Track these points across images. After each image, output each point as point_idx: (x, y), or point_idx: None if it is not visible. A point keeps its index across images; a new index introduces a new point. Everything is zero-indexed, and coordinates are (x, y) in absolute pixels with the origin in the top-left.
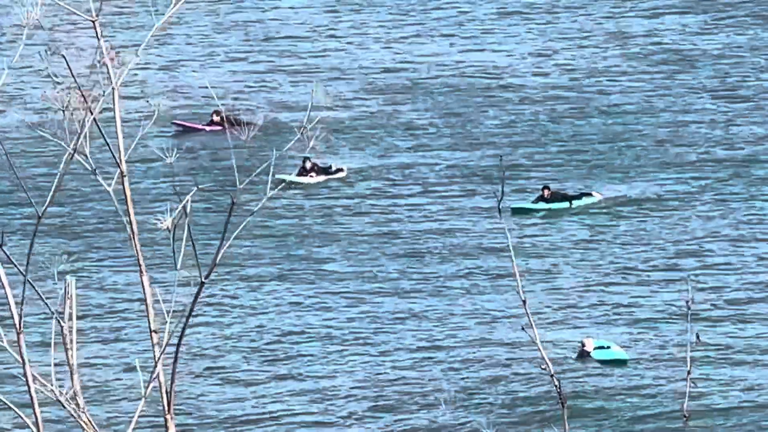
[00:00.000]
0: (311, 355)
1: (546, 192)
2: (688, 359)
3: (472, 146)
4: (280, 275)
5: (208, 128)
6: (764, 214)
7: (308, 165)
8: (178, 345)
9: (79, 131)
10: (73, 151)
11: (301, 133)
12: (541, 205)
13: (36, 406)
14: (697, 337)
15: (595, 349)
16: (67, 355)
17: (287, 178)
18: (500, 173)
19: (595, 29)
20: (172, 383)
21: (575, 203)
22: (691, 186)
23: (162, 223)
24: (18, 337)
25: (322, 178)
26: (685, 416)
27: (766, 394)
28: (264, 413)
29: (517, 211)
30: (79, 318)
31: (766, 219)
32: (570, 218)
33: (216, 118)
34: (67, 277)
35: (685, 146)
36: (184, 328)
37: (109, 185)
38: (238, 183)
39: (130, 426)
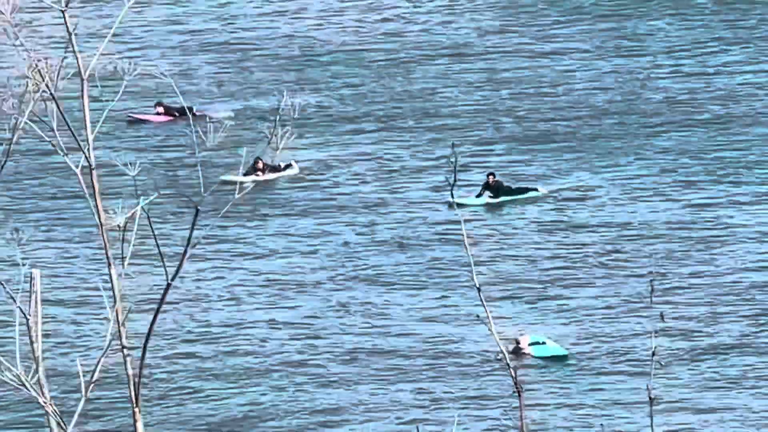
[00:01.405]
0: (280, 352)
1: (491, 179)
2: (653, 339)
3: (421, 133)
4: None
5: (156, 119)
6: (712, 198)
7: (260, 164)
8: (146, 340)
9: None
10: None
11: (271, 136)
12: (483, 200)
13: None
14: (661, 315)
15: (530, 344)
16: (32, 347)
17: (233, 179)
18: (451, 160)
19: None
20: (139, 377)
21: (519, 197)
22: (640, 176)
23: (114, 221)
24: None
25: (271, 176)
26: (650, 398)
27: (727, 374)
28: (236, 412)
29: (460, 206)
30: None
31: (714, 201)
32: (514, 211)
33: (160, 109)
34: (32, 270)
35: (633, 134)
36: (152, 325)
37: (73, 176)
38: (203, 189)
39: (75, 414)
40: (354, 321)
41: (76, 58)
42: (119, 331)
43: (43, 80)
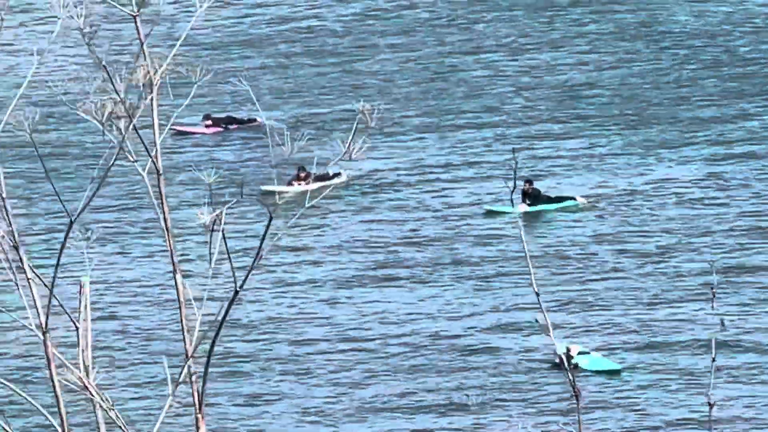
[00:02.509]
0: (342, 360)
1: (528, 186)
2: (713, 345)
3: (472, 140)
4: (304, 282)
5: (207, 131)
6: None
7: (302, 174)
8: (211, 348)
9: (121, 132)
10: (119, 147)
11: (348, 148)
12: (518, 209)
13: (62, 406)
14: (722, 322)
15: (579, 355)
16: (82, 355)
17: (275, 189)
18: (512, 164)
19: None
20: (203, 383)
21: (556, 206)
22: (682, 180)
23: (200, 217)
24: (44, 337)
25: (317, 185)
26: (709, 404)
27: None
28: (293, 418)
29: (493, 214)
30: (108, 317)
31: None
32: (552, 219)
33: (208, 122)
34: (82, 278)
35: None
36: (217, 333)
37: (143, 184)
38: (277, 198)
39: (157, 423)
40: (398, 324)
41: (147, 64)
42: (183, 336)
43: (114, 87)
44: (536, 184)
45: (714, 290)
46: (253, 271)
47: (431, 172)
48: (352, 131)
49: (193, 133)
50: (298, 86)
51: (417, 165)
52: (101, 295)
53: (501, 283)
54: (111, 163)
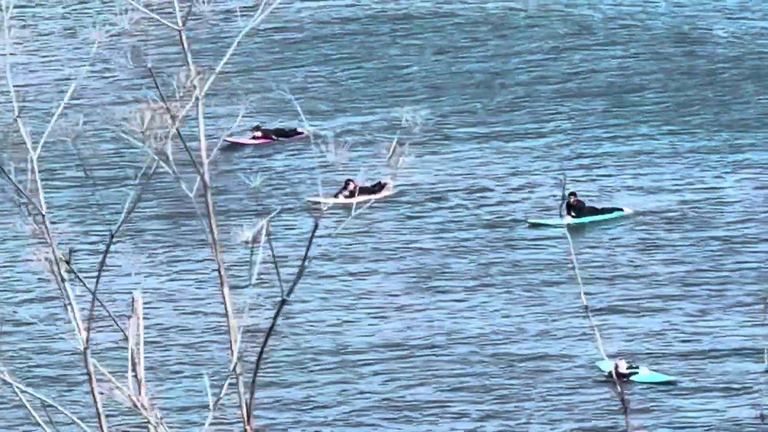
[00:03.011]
0: (389, 369)
1: (572, 198)
2: (766, 356)
3: (517, 152)
4: (350, 290)
5: (254, 142)
6: None
7: (351, 186)
8: (259, 358)
9: (160, 143)
10: (155, 157)
11: (390, 156)
12: (561, 220)
13: (103, 422)
14: None
15: (629, 368)
16: (136, 370)
17: (322, 201)
18: (558, 175)
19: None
20: (251, 395)
21: (603, 217)
22: (729, 196)
23: (242, 234)
24: (84, 353)
25: (364, 197)
26: (762, 416)
27: None
28: (339, 426)
29: (536, 226)
30: (152, 329)
31: None
32: (599, 231)
33: (257, 133)
34: (134, 292)
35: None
36: (265, 343)
37: (189, 197)
38: (322, 206)
39: None
40: (444, 334)
41: (192, 77)
42: (231, 348)
43: (162, 98)
44: (583, 196)
45: (767, 300)
46: (300, 280)
47: (478, 182)
48: (394, 143)
49: (242, 144)
50: (345, 93)
51: (463, 175)
52: (149, 307)
53: (548, 295)
54: (149, 175)
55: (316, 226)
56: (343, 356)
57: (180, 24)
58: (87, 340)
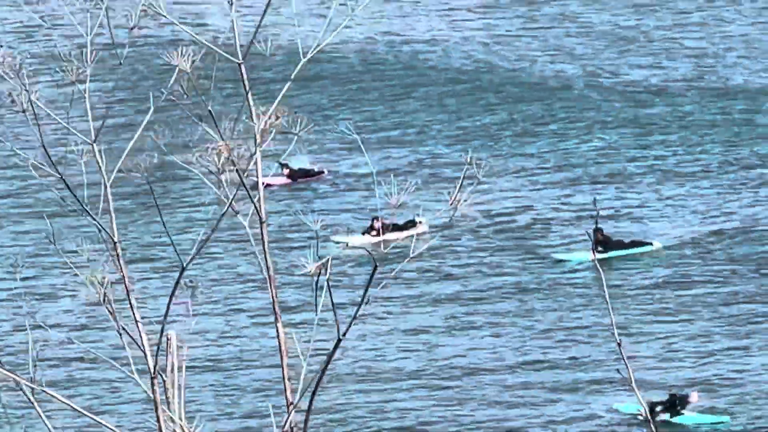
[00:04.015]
0: (418, 396)
1: (599, 235)
2: None
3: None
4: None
5: (277, 182)
6: None
7: (377, 224)
8: (312, 397)
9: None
10: (228, 203)
11: (454, 198)
12: (586, 256)
13: None
14: None
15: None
16: (168, 407)
17: (347, 240)
18: (588, 211)
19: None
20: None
21: (631, 251)
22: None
23: (308, 267)
24: (152, 383)
25: (394, 235)
26: None
27: None
28: None
29: (561, 262)
30: (212, 368)
31: None
32: (629, 265)
33: (285, 171)
34: (169, 330)
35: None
36: (318, 382)
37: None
38: (382, 245)
39: None
40: (477, 373)
41: (251, 113)
42: (284, 386)
43: (220, 134)
44: (613, 229)
45: None
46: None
47: (509, 217)
48: (460, 182)
49: (272, 185)
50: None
51: (494, 210)
52: (206, 345)
53: (577, 331)
54: (220, 217)
55: (375, 267)
56: (388, 394)
57: (240, 57)
58: (155, 371)
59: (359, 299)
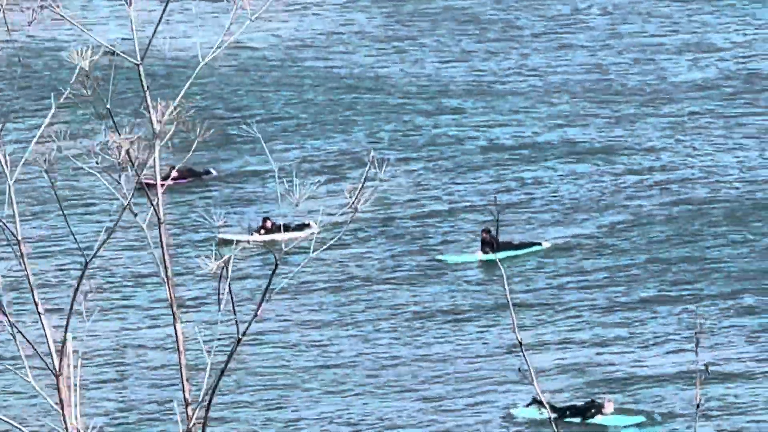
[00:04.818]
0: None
1: (485, 235)
2: (697, 389)
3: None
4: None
5: (171, 182)
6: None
7: (267, 224)
8: (211, 396)
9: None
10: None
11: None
12: (473, 257)
13: None
14: (706, 368)
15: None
16: (65, 407)
17: (232, 237)
18: (493, 211)
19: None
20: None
21: (521, 252)
22: (641, 221)
23: (209, 265)
24: (57, 380)
25: (280, 236)
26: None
27: None
28: None
29: (449, 264)
30: (114, 365)
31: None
32: (517, 267)
33: (174, 174)
34: (67, 334)
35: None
36: (217, 382)
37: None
38: (284, 245)
39: None
40: (370, 373)
41: (149, 113)
42: (182, 386)
43: (119, 134)
44: (506, 230)
45: (698, 335)
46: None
47: (399, 218)
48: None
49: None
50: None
51: (384, 210)
52: (104, 343)
53: (471, 332)
54: (119, 216)
55: (276, 266)
56: (276, 381)
57: (139, 59)
58: (59, 368)
59: (259, 299)
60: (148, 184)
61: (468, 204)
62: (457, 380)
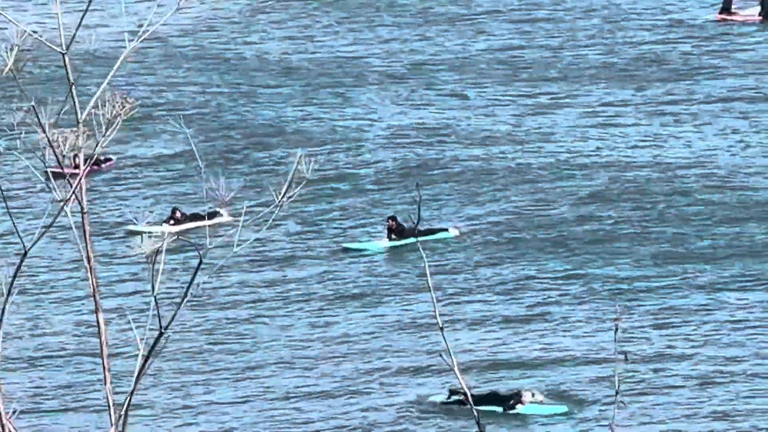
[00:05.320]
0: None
1: (391, 222)
2: (617, 378)
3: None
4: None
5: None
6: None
7: (177, 214)
8: (133, 388)
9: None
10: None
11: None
12: (378, 244)
13: None
14: (625, 355)
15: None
16: None
17: (141, 229)
18: (415, 197)
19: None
20: (124, 424)
21: (428, 238)
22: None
23: (141, 248)
24: None
25: (193, 225)
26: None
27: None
28: None
29: (350, 251)
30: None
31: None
32: (423, 253)
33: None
34: None
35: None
36: (139, 374)
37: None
38: (208, 242)
39: None
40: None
41: (74, 102)
42: (105, 376)
43: (41, 125)
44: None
45: (617, 320)
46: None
47: (306, 204)
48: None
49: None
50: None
51: (291, 197)
52: (21, 331)
53: (385, 319)
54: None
55: (201, 261)
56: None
57: (64, 47)
58: None
59: (182, 292)
60: (56, 173)
61: (375, 191)
62: (370, 365)
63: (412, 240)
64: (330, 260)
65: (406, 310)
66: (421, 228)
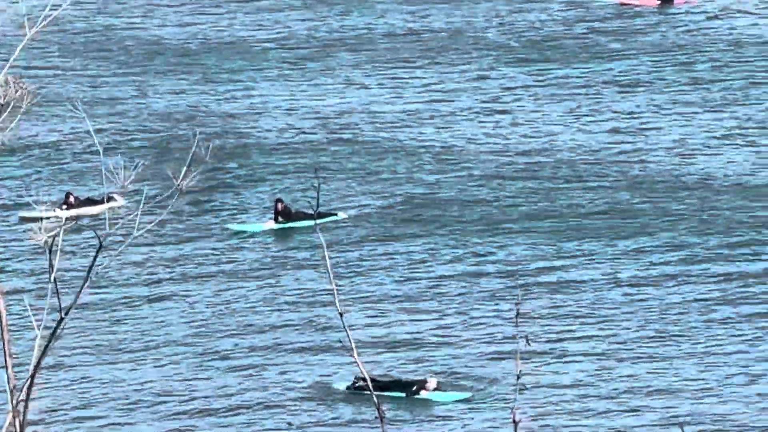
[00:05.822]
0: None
1: (279, 205)
2: (518, 361)
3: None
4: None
5: None
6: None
7: (70, 199)
8: (33, 375)
9: None
10: None
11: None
12: (263, 226)
13: None
14: (526, 339)
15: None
16: None
17: (33, 214)
18: (314, 182)
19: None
20: (25, 411)
21: (316, 222)
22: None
23: (38, 235)
24: None
25: (86, 210)
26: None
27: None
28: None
29: (239, 234)
30: None
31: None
32: (310, 236)
33: None
34: None
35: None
36: (40, 359)
37: None
38: (108, 226)
39: None
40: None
41: None
42: (6, 364)
43: None
44: (303, 201)
45: (518, 305)
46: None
47: (194, 188)
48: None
49: None
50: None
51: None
52: None
53: (276, 300)
54: None
55: (100, 245)
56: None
57: None
58: None
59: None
60: None
61: (260, 174)
62: (269, 343)
63: (301, 223)
64: (222, 241)
65: (301, 289)
66: (308, 211)
